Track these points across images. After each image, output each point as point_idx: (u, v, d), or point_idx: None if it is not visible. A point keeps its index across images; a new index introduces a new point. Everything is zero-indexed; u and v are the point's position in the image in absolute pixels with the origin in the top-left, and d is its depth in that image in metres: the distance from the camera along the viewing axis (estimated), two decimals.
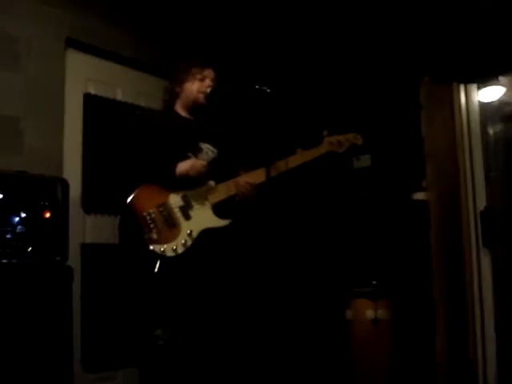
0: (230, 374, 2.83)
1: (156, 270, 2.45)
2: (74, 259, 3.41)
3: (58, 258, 2.90)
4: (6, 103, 3.40)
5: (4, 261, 2.67)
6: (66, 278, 2.92)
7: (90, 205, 3.88)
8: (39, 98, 3.57)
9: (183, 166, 2.61)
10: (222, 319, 2.78)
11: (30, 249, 2.79)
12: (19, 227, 2.77)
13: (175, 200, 2.62)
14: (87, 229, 3.87)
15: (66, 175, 3.57)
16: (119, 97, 4.17)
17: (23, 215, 2.78)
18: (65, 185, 3.00)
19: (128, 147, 2.70)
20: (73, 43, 3.86)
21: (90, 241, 3.85)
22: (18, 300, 2.67)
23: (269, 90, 2.72)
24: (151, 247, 2.47)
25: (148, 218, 2.52)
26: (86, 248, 3.80)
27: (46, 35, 3.66)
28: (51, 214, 2.89)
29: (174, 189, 2.64)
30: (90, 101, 3.95)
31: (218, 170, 2.78)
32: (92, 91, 3.99)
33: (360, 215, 4.68)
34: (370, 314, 3.93)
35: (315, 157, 2.94)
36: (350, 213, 4.75)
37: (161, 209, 2.57)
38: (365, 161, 4.76)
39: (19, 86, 3.48)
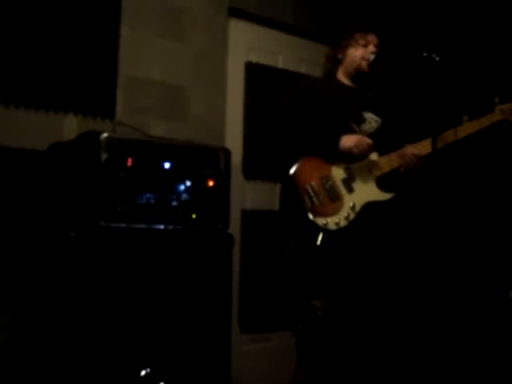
0: (387, 349, 2.76)
1: (318, 243, 2.43)
2: (234, 224, 3.50)
3: (220, 226, 2.98)
4: (173, 73, 3.53)
5: (170, 227, 2.78)
6: (227, 245, 3.00)
7: (251, 171, 3.96)
8: (204, 68, 3.66)
9: (348, 143, 2.54)
10: (381, 294, 2.71)
11: (194, 216, 2.88)
12: (184, 195, 2.85)
13: (338, 172, 2.56)
14: (247, 195, 3.95)
15: (227, 142, 3.67)
16: (280, 64, 4.16)
17: (188, 184, 2.87)
18: (227, 154, 3.05)
19: (293, 117, 2.66)
20: (235, 12, 3.89)
21: (250, 207, 3.94)
22: (182, 264, 2.78)
23: (438, 58, 2.56)
24: (313, 220, 2.46)
25: (310, 190, 2.49)
26: (246, 214, 3.89)
27: (209, 5, 3.72)
28: (214, 183, 2.95)
29: (335, 161, 2.59)
30: (251, 69, 3.98)
31: (381, 141, 2.68)
32: (253, 59, 4.02)
33: None
34: None
35: (486, 126, 2.75)
36: None
37: (323, 181, 2.52)
38: None
39: (185, 56, 3.59)
